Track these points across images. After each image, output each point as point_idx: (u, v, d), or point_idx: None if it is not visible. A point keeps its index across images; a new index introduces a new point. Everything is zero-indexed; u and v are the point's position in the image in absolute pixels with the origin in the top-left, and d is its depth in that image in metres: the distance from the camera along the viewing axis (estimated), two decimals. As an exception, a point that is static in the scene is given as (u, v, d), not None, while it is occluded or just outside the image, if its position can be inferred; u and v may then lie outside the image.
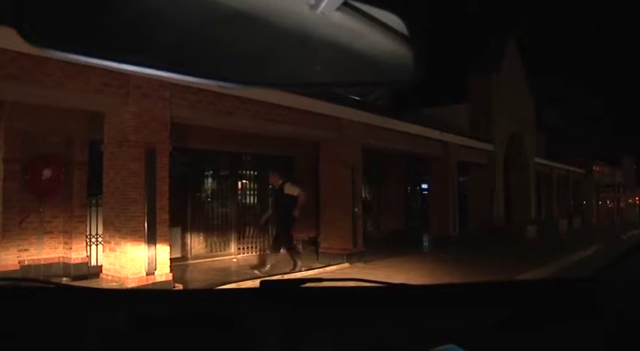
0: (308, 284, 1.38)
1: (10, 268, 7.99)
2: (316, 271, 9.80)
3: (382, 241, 14.63)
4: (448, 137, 15.10)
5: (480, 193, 18.13)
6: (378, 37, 0.82)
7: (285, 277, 7.66)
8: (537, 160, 22.54)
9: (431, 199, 16.39)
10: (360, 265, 10.65)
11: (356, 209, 11.09)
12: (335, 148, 10.99)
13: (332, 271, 9.88)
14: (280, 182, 9.52)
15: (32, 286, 1.40)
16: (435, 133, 14.36)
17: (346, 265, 10.52)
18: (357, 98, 14.02)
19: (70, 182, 8.79)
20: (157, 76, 0.63)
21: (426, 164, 16.15)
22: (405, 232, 17.00)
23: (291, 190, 9.37)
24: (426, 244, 15.93)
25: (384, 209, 16.99)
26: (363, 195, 12.71)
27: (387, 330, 1.22)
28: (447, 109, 17.98)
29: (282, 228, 9.55)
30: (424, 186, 19.38)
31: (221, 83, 0.69)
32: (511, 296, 1.42)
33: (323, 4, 0.73)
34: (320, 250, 11.26)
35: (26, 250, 8.37)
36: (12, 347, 1.10)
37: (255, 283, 5.23)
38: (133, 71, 0.61)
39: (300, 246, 12.94)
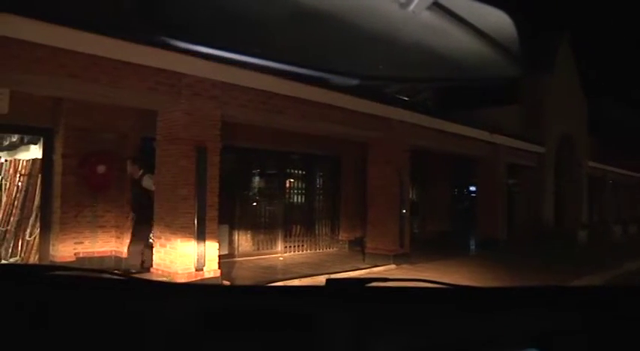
0: (374, 283, 1.38)
1: (67, 260, 8.27)
2: (362, 271, 9.78)
3: (428, 242, 14.48)
4: (497, 139, 14.80)
5: (530, 195, 17.71)
6: (465, 37, 0.82)
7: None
8: (590, 163, 21.86)
9: (479, 201, 16.11)
10: (406, 266, 10.55)
11: (403, 210, 10.99)
12: (383, 148, 10.92)
13: (378, 272, 9.83)
14: (140, 173, 8.26)
15: (103, 278, 1.43)
16: (484, 135, 14.11)
17: (392, 266, 10.44)
18: (405, 98, 13.91)
19: (122, 178, 9.01)
20: (261, 66, 0.66)
21: (473, 166, 15.89)
22: (451, 234, 16.76)
23: (149, 183, 8.13)
24: (473, 246, 15.67)
25: (430, 211, 16.82)
26: (410, 196, 12.59)
27: (456, 331, 1.20)
28: (496, 109, 17.61)
29: (139, 227, 8.29)
30: (472, 188, 19.07)
31: (322, 74, 0.72)
32: (582, 301, 1.38)
33: (414, 3, 0.73)
34: (366, 251, 11.22)
35: (81, 242, 8.63)
36: (85, 336, 1.12)
37: (303, 282, 5.30)
38: (239, 61, 0.64)
39: (347, 246, 12.98)
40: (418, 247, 12.13)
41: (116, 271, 1.43)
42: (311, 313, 1.20)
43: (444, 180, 17.61)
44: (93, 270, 1.52)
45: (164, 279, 7.20)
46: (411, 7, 0.74)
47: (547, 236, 16.56)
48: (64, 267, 1.49)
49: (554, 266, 10.70)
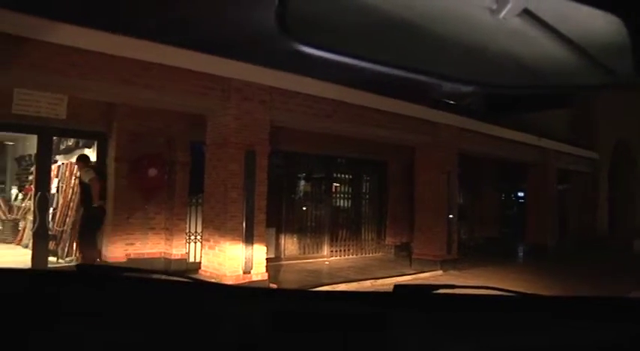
0: (442, 290, 1.37)
1: (118, 260, 8.48)
2: (409, 277, 9.68)
3: (475, 248, 14.24)
4: (546, 143, 14.45)
5: (582, 202, 17.23)
6: (552, 44, 0.82)
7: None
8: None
9: (527, 207, 15.80)
10: (453, 272, 10.40)
11: (450, 215, 10.86)
12: (430, 152, 10.82)
13: (425, 278, 9.72)
14: (83, 170, 8.29)
15: (166, 280, 1.46)
16: (532, 139, 13.80)
17: (439, 272, 10.31)
18: (451, 102, 13.77)
19: (172, 181, 9.19)
20: (383, 71, 0.71)
21: (522, 171, 15.58)
22: (499, 240, 16.43)
23: (85, 176, 8.13)
24: (521, 253, 15.33)
25: (477, 216, 16.54)
26: (458, 201, 12.41)
27: (524, 340, 1.19)
28: (545, 113, 17.19)
29: (82, 223, 8.33)
30: (520, 193, 18.70)
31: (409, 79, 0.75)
32: None
33: (505, 10, 0.74)
34: (413, 256, 11.12)
35: (132, 244, 8.84)
36: (158, 336, 1.13)
37: (349, 286, 5.26)
38: (368, 67, 0.68)
39: (393, 251, 12.87)
40: (465, 252, 11.95)
41: (187, 274, 1.45)
42: (379, 317, 1.20)
43: (492, 185, 17.29)
44: (162, 272, 1.55)
45: (213, 281, 7.29)
46: (502, 14, 0.74)
47: (600, 244, 16.07)
48: (136, 269, 1.54)
49: (607, 276, 10.35)
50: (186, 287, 1.43)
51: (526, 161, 14.58)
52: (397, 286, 1.36)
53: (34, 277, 1.55)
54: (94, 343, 1.09)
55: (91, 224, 8.26)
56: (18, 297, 1.22)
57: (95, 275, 1.47)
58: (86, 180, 8.10)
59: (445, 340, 1.15)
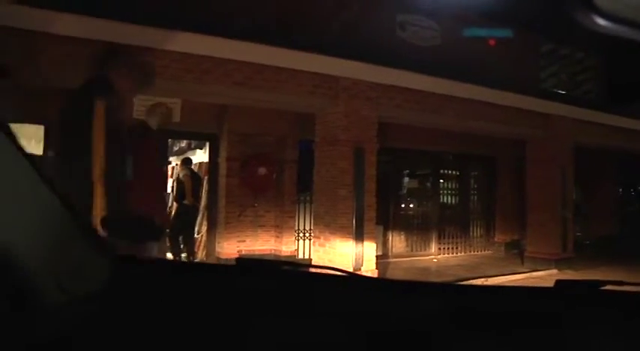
0: (608, 286, 1.30)
1: (231, 257, 8.78)
2: (521, 275, 9.31)
3: (591, 247, 13.42)
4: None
5: None
6: None
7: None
8: None
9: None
10: (569, 272, 9.87)
11: (566, 211, 10.32)
12: (543, 146, 10.34)
13: (539, 277, 9.30)
14: (181, 167, 8.98)
15: (324, 273, 1.46)
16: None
17: (554, 271, 9.83)
18: (563, 92, 13.04)
19: (281, 179, 9.39)
20: None
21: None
22: (618, 238, 15.36)
23: (180, 173, 8.89)
24: (645, 253, 14.24)
25: (592, 212, 15.56)
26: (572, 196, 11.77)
27: None
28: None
29: (174, 219, 8.61)
30: (641, 188, 17.42)
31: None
32: None
33: None
34: (525, 254, 10.68)
35: (243, 241, 9.14)
36: (316, 328, 1.13)
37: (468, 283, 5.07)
38: None
39: (503, 248, 12.41)
40: (581, 251, 11.30)
41: (339, 268, 1.45)
42: (542, 313, 1.17)
43: (609, 179, 16.21)
44: (316, 266, 1.56)
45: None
46: None
47: None
48: (291, 262, 1.58)
49: None
50: (344, 281, 1.43)
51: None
52: (559, 282, 1.33)
53: (195, 270, 1.61)
54: (261, 337, 1.09)
55: (180, 219, 8.71)
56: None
57: (256, 268, 1.50)
58: (180, 176, 8.74)
59: (618, 339, 1.09)
